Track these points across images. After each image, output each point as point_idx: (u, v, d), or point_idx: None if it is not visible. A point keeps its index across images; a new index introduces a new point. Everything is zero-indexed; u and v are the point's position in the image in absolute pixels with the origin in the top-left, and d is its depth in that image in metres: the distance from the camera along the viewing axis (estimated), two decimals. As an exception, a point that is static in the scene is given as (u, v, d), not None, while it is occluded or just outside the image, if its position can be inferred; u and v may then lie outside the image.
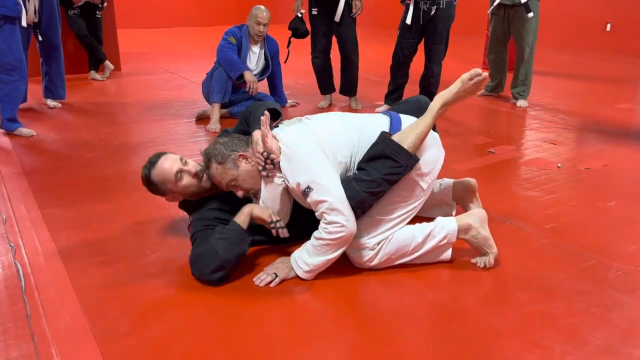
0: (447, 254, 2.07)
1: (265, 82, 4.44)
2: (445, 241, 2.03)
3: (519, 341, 1.63)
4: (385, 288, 1.92)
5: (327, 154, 1.93)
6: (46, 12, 4.16)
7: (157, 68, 6.48)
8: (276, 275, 1.93)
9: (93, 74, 5.70)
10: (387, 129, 2.02)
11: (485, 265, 2.05)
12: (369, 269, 2.01)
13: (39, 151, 3.40)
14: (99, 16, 5.58)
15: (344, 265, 2.00)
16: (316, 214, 1.89)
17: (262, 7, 4.13)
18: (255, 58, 4.22)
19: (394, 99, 4.49)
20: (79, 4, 5.33)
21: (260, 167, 1.93)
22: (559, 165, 3.20)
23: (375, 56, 6.76)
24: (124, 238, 2.27)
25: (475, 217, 2.07)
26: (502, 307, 1.81)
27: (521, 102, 4.71)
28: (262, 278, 1.93)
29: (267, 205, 1.98)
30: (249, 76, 3.99)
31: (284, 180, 1.93)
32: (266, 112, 1.98)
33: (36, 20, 4.11)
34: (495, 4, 4.60)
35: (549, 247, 2.23)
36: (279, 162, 1.91)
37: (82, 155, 3.32)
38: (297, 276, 1.95)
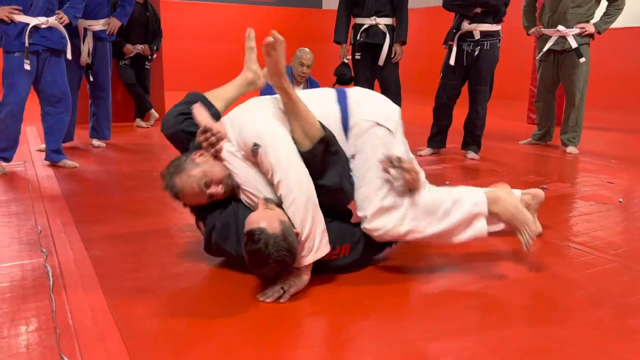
0: (483, 227, 1.91)
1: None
2: (476, 210, 1.88)
3: (599, 353, 1.41)
4: (445, 309, 1.73)
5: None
6: (99, 55, 4.33)
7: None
8: (283, 291, 1.71)
9: (139, 121, 5.84)
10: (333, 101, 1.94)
11: (525, 247, 1.89)
12: (405, 242, 1.90)
13: (80, 179, 3.40)
14: (148, 67, 5.79)
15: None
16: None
17: (307, 49, 4.20)
18: None
19: (437, 142, 4.39)
20: (130, 55, 5.55)
21: (205, 145, 1.82)
22: (621, 200, 2.98)
23: (414, 111, 6.74)
24: (156, 248, 2.17)
25: (502, 189, 1.99)
26: (576, 322, 1.59)
27: (571, 149, 4.52)
28: (268, 294, 1.70)
29: (257, 187, 1.79)
30: None
31: (237, 149, 1.81)
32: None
33: (89, 62, 4.27)
34: (544, 50, 4.54)
35: (620, 269, 2.01)
36: (220, 133, 1.82)
37: (122, 183, 3.30)
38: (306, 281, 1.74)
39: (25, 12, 3.38)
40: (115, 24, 4.37)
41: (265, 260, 1.58)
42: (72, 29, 4.06)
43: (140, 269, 1.95)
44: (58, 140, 3.71)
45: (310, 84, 4.30)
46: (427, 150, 4.40)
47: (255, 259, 1.60)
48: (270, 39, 1.73)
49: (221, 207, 1.86)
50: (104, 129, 4.57)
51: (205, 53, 11.48)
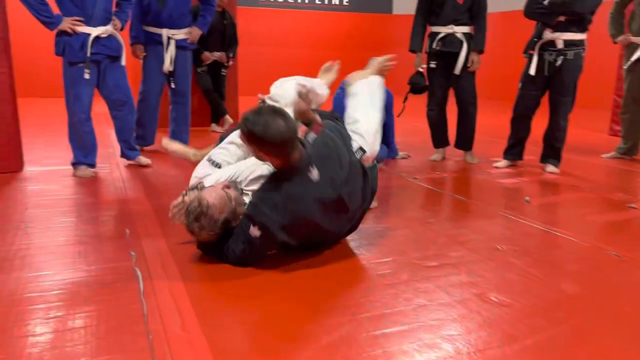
0: None
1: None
2: None
3: None
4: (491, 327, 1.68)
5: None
6: (180, 62, 4.50)
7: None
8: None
9: (214, 126, 6.02)
10: None
11: None
12: None
13: (161, 181, 3.56)
14: (224, 74, 5.95)
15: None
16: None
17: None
18: None
19: (514, 154, 4.26)
20: (208, 62, 5.73)
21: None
22: None
23: (492, 119, 6.57)
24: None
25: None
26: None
27: (660, 164, 4.26)
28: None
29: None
30: None
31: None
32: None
33: (171, 70, 4.46)
34: (631, 60, 4.31)
35: None
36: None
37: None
38: None
39: (87, 22, 3.51)
40: (196, 33, 4.53)
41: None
42: (156, 38, 4.29)
43: (226, 277, 2.01)
44: (129, 139, 3.96)
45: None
46: (503, 162, 4.27)
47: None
48: None
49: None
50: (182, 133, 4.75)
51: (279, 58, 11.68)
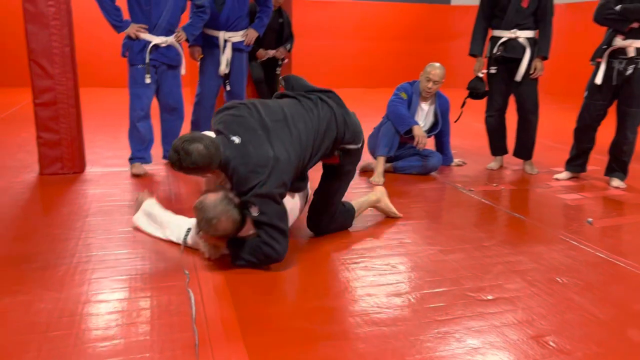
0: None
1: (432, 139, 4.32)
2: None
3: None
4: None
5: None
6: (236, 65, 4.53)
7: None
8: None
9: None
10: None
11: None
12: None
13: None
14: (278, 73, 5.90)
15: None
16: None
17: (437, 64, 4.07)
18: (423, 115, 4.15)
19: (577, 165, 4.06)
20: (262, 59, 5.70)
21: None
22: None
23: (557, 123, 6.31)
24: (293, 280, 2.23)
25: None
26: None
27: None
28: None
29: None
30: (418, 130, 3.90)
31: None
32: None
33: (227, 72, 4.49)
34: None
35: None
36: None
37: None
38: None
39: (150, 30, 3.77)
40: (252, 35, 4.54)
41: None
42: (213, 41, 4.34)
43: (275, 302, 2.02)
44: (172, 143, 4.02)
45: (439, 98, 4.17)
46: (564, 174, 4.09)
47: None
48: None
49: None
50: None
51: (333, 50, 11.62)
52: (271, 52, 5.72)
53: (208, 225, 2.20)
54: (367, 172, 4.16)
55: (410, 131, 3.94)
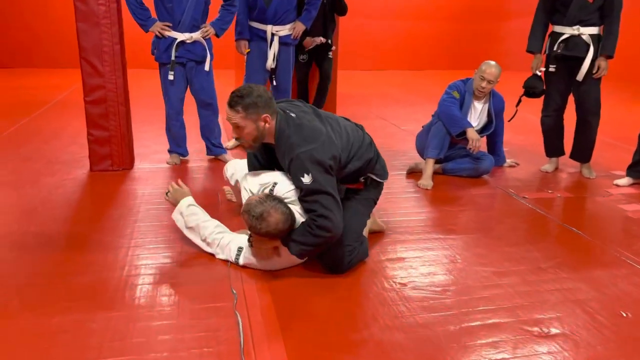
0: None
1: (483, 138, 4.15)
2: None
3: None
4: None
5: None
6: (283, 58, 4.46)
7: (369, 113, 6.56)
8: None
9: None
10: None
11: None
12: None
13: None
14: (331, 57, 5.73)
15: None
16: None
17: (493, 62, 3.87)
18: (477, 114, 3.97)
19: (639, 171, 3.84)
20: (310, 47, 5.54)
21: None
22: None
23: (617, 115, 5.97)
24: (341, 304, 2.18)
25: None
26: None
27: None
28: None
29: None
30: (472, 134, 3.75)
31: None
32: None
33: (273, 67, 4.43)
34: None
35: None
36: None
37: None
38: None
39: (174, 28, 3.78)
40: (299, 28, 4.44)
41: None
42: (260, 34, 4.28)
43: (323, 331, 1.98)
44: (210, 137, 4.16)
45: (493, 97, 3.99)
46: (626, 180, 3.87)
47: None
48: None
49: None
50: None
51: (379, 31, 11.37)
52: (318, 40, 5.55)
53: (260, 221, 2.17)
54: (415, 173, 4.05)
55: (463, 133, 3.80)
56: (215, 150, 4.22)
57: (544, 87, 4.05)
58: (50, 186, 3.48)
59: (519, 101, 4.18)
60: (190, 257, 2.54)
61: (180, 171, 3.94)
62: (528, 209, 3.34)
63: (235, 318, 2.04)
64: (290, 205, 2.29)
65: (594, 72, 3.80)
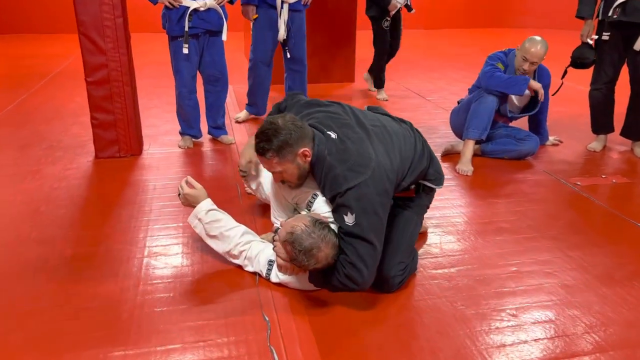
0: None
1: (525, 118, 3.77)
2: None
3: None
4: None
5: None
6: (295, 26, 4.06)
7: (390, 81, 6.09)
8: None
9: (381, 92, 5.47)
10: None
11: None
12: None
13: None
14: (401, 26, 5.18)
15: None
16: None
17: (539, 39, 3.37)
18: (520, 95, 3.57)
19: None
20: (394, 11, 4.95)
21: None
22: None
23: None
24: (395, 342, 1.87)
25: None
26: None
27: None
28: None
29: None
30: (535, 84, 3.39)
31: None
32: None
33: (285, 38, 4.03)
34: None
35: None
36: None
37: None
38: None
39: None
40: (310, -7, 4.03)
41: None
42: (268, 1, 3.91)
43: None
44: (216, 117, 3.82)
45: (539, 71, 3.56)
46: (684, 162, 3.51)
47: None
48: None
49: None
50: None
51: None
52: (402, 0, 5.00)
53: (309, 258, 1.84)
54: (450, 155, 3.69)
55: (501, 109, 3.45)
56: (216, 132, 3.88)
57: (594, 58, 3.64)
58: (53, 178, 3.16)
59: (565, 72, 3.77)
60: (213, 270, 2.23)
61: (194, 156, 3.60)
62: (583, 199, 3.00)
63: (270, 355, 1.74)
64: (333, 227, 1.96)
65: (655, 39, 3.39)
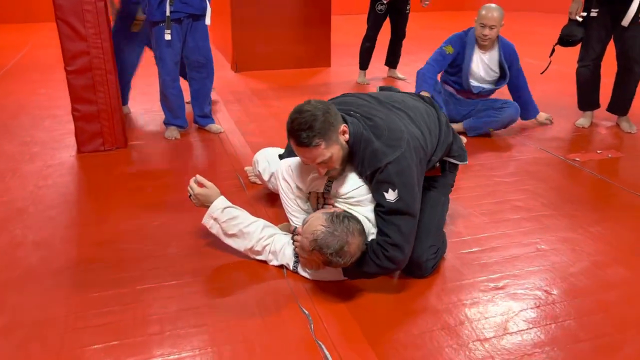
0: None
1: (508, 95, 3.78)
2: None
3: None
4: None
5: None
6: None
7: (373, 66, 6.02)
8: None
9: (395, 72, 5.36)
10: None
11: None
12: None
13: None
14: (408, 12, 5.07)
15: None
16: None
17: (493, 5, 3.47)
18: (484, 67, 3.59)
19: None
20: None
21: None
22: None
23: None
24: (439, 326, 1.80)
25: None
26: None
27: None
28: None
29: None
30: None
31: None
32: None
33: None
34: None
35: None
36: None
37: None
38: None
39: None
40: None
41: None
42: None
43: (424, 348, 1.61)
44: (202, 105, 3.64)
45: (504, 48, 3.55)
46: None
47: None
48: None
49: None
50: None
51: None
52: None
53: (343, 257, 1.74)
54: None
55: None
56: (203, 120, 3.69)
57: (583, 35, 3.67)
58: (35, 176, 2.93)
59: (552, 51, 3.79)
60: (231, 265, 2.10)
61: (183, 148, 3.43)
62: (586, 175, 3.02)
63: (319, 350, 1.64)
64: (354, 211, 1.87)
65: (640, 15, 3.43)
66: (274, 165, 2.41)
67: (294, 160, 2.01)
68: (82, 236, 2.32)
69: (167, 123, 3.60)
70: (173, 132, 3.56)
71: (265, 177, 2.49)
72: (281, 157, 2.28)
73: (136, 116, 4.00)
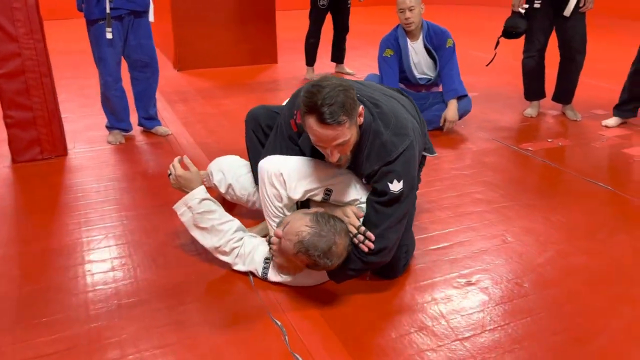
0: None
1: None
2: None
3: None
4: None
5: None
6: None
7: (321, 63, 5.95)
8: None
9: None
10: None
11: None
12: None
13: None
14: (349, 5, 4.99)
15: None
16: None
17: None
18: (417, 56, 3.59)
19: (628, 110, 3.69)
20: None
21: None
22: None
23: (598, 53, 5.72)
24: (415, 326, 1.75)
25: None
26: None
27: None
28: None
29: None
30: None
31: None
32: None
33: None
34: None
35: None
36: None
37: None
38: None
39: None
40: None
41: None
42: None
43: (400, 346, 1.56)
44: (147, 107, 3.46)
45: (426, 32, 3.53)
46: (613, 120, 3.71)
47: None
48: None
49: None
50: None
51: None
52: None
53: (331, 258, 1.66)
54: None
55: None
56: (149, 123, 3.51)
57: (527, 27, 3.73)
58: (-35, 190, 2.68)
59: (497, 43, 3.84)
60: (191, 276, 1.98)
61: (129, 152, 3.24)
62: (540, 164, 3.07)
63: (296, 364, 1.55)
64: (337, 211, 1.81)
65: (580, 5, 3.52)
66: (230, 175, 2.30)
67: (286, 166, 1.81)
68: (22, 254, 2.12)
69: (110, 127, 3.40)
70: (117, 137, 3.36)
71: (222, 190, 2.35)
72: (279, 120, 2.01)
73: (76, 121, 3.75)
